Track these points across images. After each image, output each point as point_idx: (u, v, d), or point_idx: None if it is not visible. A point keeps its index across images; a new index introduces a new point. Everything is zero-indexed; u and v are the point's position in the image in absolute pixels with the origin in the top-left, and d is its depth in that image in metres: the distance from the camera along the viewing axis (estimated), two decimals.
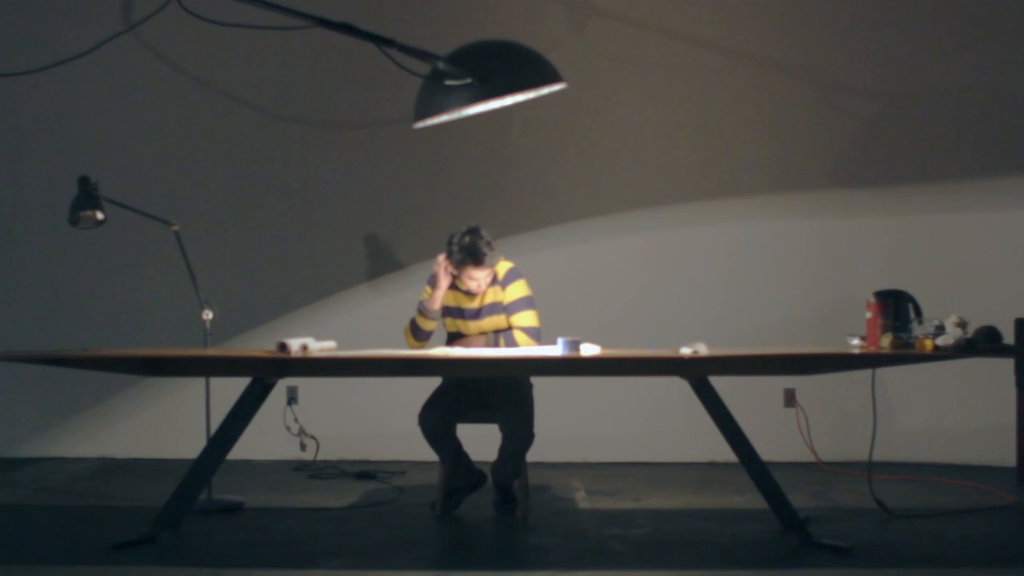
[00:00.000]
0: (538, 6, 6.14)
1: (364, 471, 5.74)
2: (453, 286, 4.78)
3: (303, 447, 6.21)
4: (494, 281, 4.76)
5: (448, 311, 4.80)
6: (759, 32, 6.13)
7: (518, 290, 4.73)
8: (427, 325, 4.74)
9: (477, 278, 4.66)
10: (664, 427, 6.13)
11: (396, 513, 4.84)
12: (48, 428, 6.31)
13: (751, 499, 4.61)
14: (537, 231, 6.15)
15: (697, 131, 6.18)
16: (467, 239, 4.61)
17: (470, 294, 4.77)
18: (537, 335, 4.70)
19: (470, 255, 4.59)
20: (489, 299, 4.77)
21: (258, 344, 6.03)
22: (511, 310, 4.72)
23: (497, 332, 4.76)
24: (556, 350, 4.28)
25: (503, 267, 4.78)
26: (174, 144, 6.28)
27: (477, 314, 4.76)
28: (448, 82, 4.28)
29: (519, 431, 4.57)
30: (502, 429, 4.60)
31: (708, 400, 4.25)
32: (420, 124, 4.53)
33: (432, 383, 4.86)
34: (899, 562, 3.98)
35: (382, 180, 6.25)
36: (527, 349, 4.64)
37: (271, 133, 6.26)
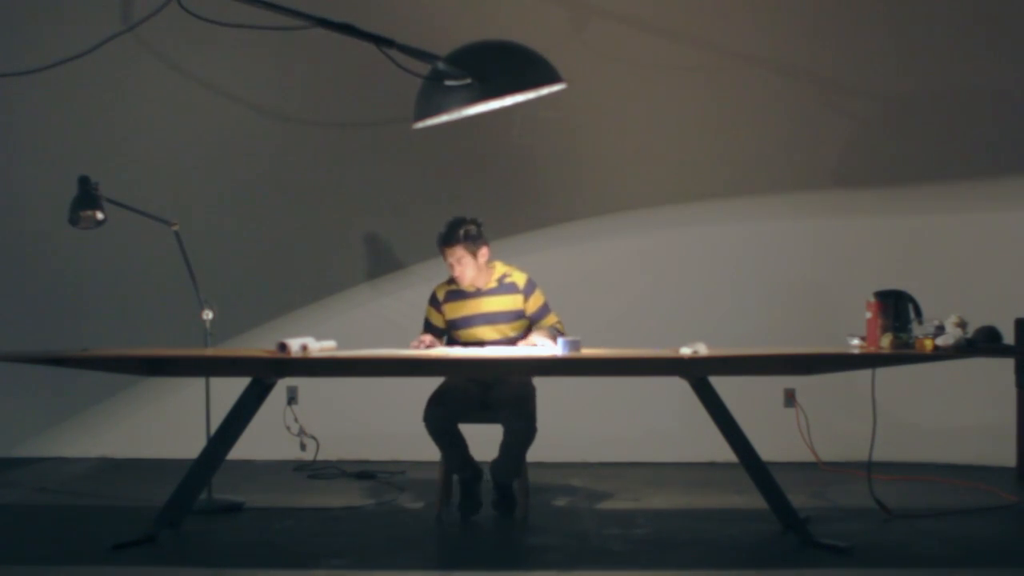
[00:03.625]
0: (538, 6, 6.14)
1: (364, 471, 5.74)
2: (466, 296, 4.85)
3: (303, 447, 6.20)
4: (511, 288, 4.86)
5: (465, 321, 4.85)
6: (760, 32, 6.12)
7: (540, 298, 4.91)
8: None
9: (451, 261, 4.79)
10: (664, 427, 6.12)
11: (396, 513, 4.84)
12: (48, 428, 6.31)
13: (751, 499, 4.61)
14: (537, 231, 6.15)
15: (697, 131, 6.18)
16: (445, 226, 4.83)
17: (471, 297, 4.82)
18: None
19: (439, 237, 4.82)
20: (500, 307, 4.85)
21: (258, 344, 6.03)
22: (539, 316, 4.88)
23: (509, 339, 4.85)
24: (556, 350, 4.28)
25: (521, 277, 4.92)
26: (174, 144, 6.28)
27: (500, 317, 4.85)
28: (448, 82, 4.28)
29: (521, 427, 4.57)
30: (504, 424, 4.61)
31: (708, 400, 4.25)
32: (420, 124, 4.53)
33: (432, 383, 4.86)
34: (899, 562, 3.99)
35: (382, 180, 6.25)
36: (528, 349, 4.64)
37: (271, 133, 6.26)
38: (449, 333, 4.90)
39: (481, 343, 4.82)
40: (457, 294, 4.88)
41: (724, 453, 4.47)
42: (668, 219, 6.20)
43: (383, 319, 6.13)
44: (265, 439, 5.90)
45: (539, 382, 4.94)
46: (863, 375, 4.75)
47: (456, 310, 4.86)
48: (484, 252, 4.84)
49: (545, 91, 4.45)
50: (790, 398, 6.10)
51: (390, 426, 6.11)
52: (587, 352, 4.39)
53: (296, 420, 6.19)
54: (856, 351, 4.27)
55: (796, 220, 6.13)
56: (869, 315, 4.27)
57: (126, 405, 6.31)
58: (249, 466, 5.88)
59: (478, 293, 4.87)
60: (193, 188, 6.24)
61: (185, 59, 6.24)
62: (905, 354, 4.21)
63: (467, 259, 4.79)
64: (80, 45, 5.11)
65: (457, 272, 4.81)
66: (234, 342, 6.05)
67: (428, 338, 4.74)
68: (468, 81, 4.25)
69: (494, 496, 4.79)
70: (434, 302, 4.92)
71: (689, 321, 5.95)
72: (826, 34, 6.10)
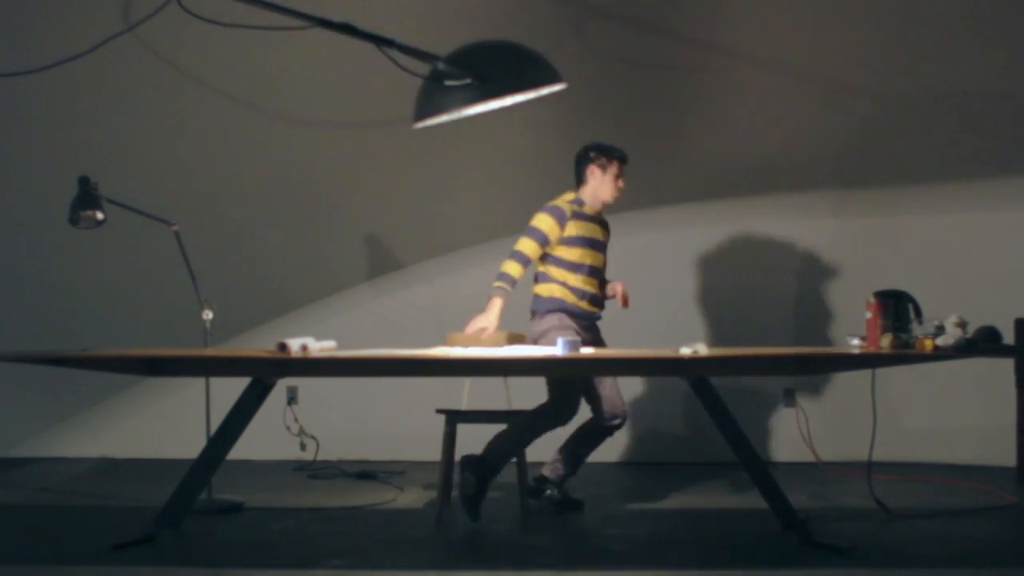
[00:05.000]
0: (538, 6, 6.14)
1: (364, 471, 5.74)
2: (587, 218, 4.85)
3: (303, 447, 6.21)
4: (607, 224, 4.97)
5: (587, 242, 4.83)
6: (759, 32, 6.12)
7: None
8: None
9: (622, 176, 4.90)
10: (664, 427, 6.13)
11: (396, 513, 4.84)
12: (48, 428, 6.31)
13: (751, 499, 4.61)
14: None
15: (697, 131, 6.18)
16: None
17: (592, 221, 4.85)
18: None
19: (619, 152, 4.90)
20: (604, 237, 4.93)
21: (258, 344, 6.03)
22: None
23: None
24: (556, 350, 4.28)
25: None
26: (174, 144, 6.28)
27: (603, 248, 4.90)
28: (448, 82, 4.28)
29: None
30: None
31: (708, 400, 4.25)
32: (420, 124, 4.53)
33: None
34: (899, 562, 3.98)
35: (382, 180, 6.25)
36: (529, 349, 4.64)
37: (271, 133, 6.26)
38: (553, 250, 4.79)
39: (590, 267, 4.82)
40: (581, 215, 4.84)
41: (724, 453, 4.47)
42: (667, 219, 6.20)
43: (383, 319, 6.14)
44: (265, 439, 5.90)
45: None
46: (863, 375, 4.75)
47: (581, 228, 4.81)
48: None
49: (545, 91, 4.45)
50: (790, 398, 6.10)
51: (390, 426, 6.11)
52: (587, 352, 4.40)
53: (296, 420, 6.20)
54: (856, 351, 4.27)
55: (796, 220, 6.14)
56: (869, 315, 4.27)
57: (126, 405, 6.31)
58: (249, 466, 5.88)
59: (596, 218, 4.90)
60: (193, 188, 6.24)
61: (185, 59, 6.24)
62: (905, 354, 4.21)
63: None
64: (80, 45, 5.10)
65: (621, 188, 4.88)
66: (234, 342, 6.05)
67: (491, 327, 4.63)
68: (468, 81, 4.24)
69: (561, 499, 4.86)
70: (559, 215, 4.78)
71: (689, 321, 5.95)
72: (826, 34, 6.09)
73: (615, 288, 4.90)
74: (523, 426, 4.67)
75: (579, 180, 4.91)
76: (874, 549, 4.12)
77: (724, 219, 6.17)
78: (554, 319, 4.75)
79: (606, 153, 4.87)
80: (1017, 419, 5.53)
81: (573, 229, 4.79)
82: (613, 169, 4.86)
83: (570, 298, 4.77)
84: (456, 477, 4.65)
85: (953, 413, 5.98)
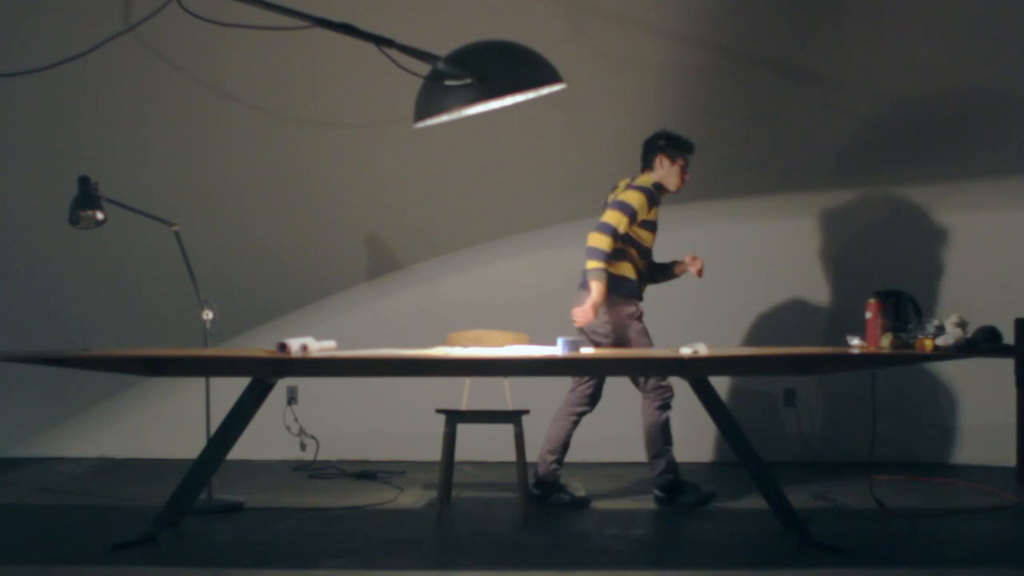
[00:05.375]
0: (538, 6, 6.14)
1: (364, 471, 5.74)
2: (658, 204, 4.89)
3: (303, 447, 6.21)
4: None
5: (656, 228, 4.89)
6: (759, 32, 6.12)
7: None
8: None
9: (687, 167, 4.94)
10: None
11: (396, 513, 4.84)
12: (48, 428, 6.31)
13: (751, 499, 4.61)
14: (537, 231, 6.14)
15: (697, 131, 6.15)
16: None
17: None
18: None
19: (688, 144, 4.94)
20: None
21: (258, 344, 6.03)
22: None
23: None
24: (556, 350, 4.28)
25: None
26: (174, 144, 6.28)
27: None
28: (448, 82, 4.28)
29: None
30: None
31: (708, 400, 4.25)
32: (420, 124, 4.53)
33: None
34: (899, 562, 3.98)
35: (382, 180, 6.25)
36: (529, 348, 4.64)
37: (271, 133, 6.25)
38: (633, 231, 4.81)
39: (651, 252, 4.90)
40: (658, 201, 4.89)
41: (724, 453, 4.47)
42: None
43: (383, 319, 6.13)
44: (265, 439, 5.90)
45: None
46: (863, 375, 4.75)
47: (656, 214, 4.89)
48: None
49: (545, 91, 4.45)
50: (790, 398, 6.10)
51: (390, 426, 6.11)
52: (587, 352, 4.40)
53: (296, 420, 6.19)
54: (856, 351, 4.27)
55: (796, 220, 6.13)
56: (869, 315, 4.28)
57: (126, 405, 6.31)
58: (249, 466, 5.88)
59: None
60: (193, 188, 6.24)
61: (185, 59, 6.24)
62: (905, 354, 4.22)
63: None
64: (80, 45, 5.10)
65: (686, 180, 4.93)
66: (234, 342, 6.05)
67: (591, 316, 4.66)
68: (468, 81, 4.25)
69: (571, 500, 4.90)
70: (652, 197, 4.83)
71: (689, 321, 5.95)
72: (826, 34, 6.09)
73: (696, 261, 4.90)
74: (657, 426, 4.84)
75: (645, 166, 4.94)
76: (874, 549, 4.12)
77: (724, 219, 6.17)
78: (632, 308, 4.81)
79: (676, 145, 4.91)
80: (1017, 419, 5.53)
81: (654, 214, 4.85)
82: (681, 161, 4.91)
83: (638, 281, 4.83)
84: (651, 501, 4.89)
85: (953, 413, 5.98)
